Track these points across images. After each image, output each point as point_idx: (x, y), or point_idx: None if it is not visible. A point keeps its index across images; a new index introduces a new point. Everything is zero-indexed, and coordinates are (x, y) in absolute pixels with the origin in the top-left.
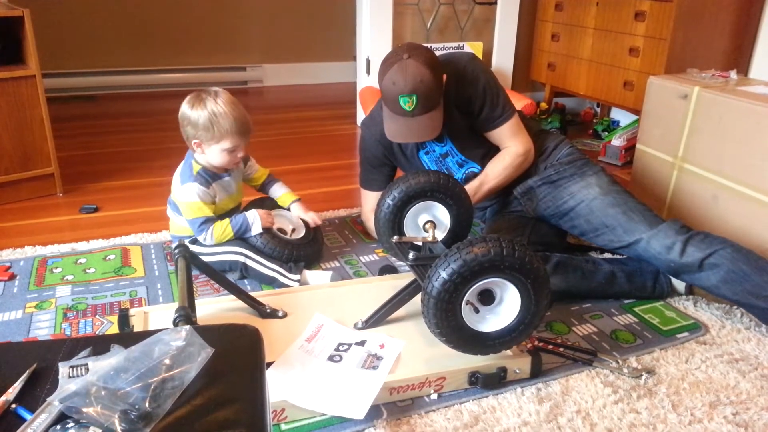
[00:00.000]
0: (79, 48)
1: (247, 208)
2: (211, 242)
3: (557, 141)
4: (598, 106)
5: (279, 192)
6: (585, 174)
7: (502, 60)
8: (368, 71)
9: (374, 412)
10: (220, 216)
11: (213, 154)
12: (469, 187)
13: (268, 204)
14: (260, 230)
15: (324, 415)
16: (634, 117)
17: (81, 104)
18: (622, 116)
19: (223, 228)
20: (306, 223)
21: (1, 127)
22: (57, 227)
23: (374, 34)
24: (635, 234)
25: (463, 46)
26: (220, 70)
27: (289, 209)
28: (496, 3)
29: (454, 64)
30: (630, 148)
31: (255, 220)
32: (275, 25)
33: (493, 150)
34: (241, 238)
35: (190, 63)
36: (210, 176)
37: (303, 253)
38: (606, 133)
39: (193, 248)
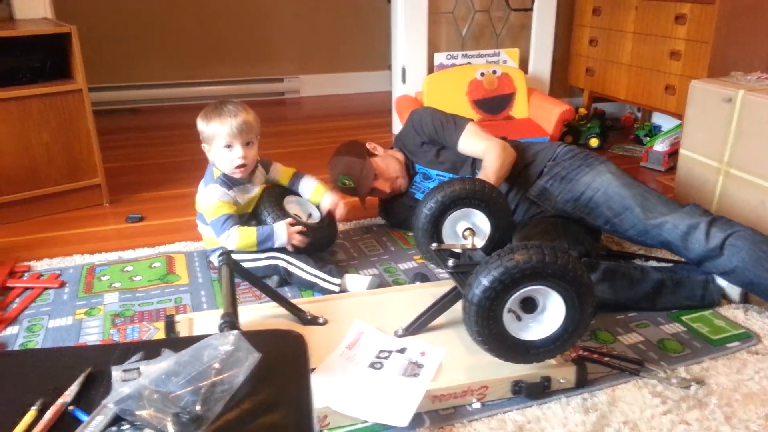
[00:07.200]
0: (123, 62)
1: (261, 198)
2: (232, 245)
3: (555, 145)
4: (638, 111)
5: (309, 188)
6: (592, 164)
7: (539, 66)
8: (404, 80)
9: (416, 420)
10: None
11: (216, 155)
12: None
13: (279, 191)
14: (283, 244)
15: (366, 422)
16: (676, 121)
17: (125, 117)
18: (663, 121)
19: (248, 234)
20: (321, 210)
21: (51, 139)
22: (104, 236)
23: (409, 43)
24: (657, 215)
25: (498, 53)
26: (258, 81)
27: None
28: (532, 9)
29: (413, 118)
30: (673, 154)
31: (281, 235)
32: (311, 36)
33: (461, 157)
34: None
35: (228, 75)
36: (231, 181)
37: (318, 235)
38: (648, 138)
39: (236, 256)
